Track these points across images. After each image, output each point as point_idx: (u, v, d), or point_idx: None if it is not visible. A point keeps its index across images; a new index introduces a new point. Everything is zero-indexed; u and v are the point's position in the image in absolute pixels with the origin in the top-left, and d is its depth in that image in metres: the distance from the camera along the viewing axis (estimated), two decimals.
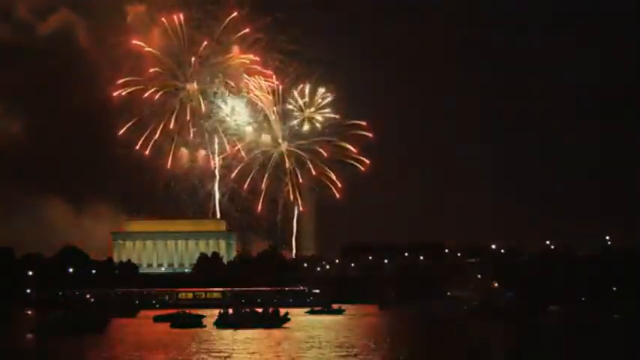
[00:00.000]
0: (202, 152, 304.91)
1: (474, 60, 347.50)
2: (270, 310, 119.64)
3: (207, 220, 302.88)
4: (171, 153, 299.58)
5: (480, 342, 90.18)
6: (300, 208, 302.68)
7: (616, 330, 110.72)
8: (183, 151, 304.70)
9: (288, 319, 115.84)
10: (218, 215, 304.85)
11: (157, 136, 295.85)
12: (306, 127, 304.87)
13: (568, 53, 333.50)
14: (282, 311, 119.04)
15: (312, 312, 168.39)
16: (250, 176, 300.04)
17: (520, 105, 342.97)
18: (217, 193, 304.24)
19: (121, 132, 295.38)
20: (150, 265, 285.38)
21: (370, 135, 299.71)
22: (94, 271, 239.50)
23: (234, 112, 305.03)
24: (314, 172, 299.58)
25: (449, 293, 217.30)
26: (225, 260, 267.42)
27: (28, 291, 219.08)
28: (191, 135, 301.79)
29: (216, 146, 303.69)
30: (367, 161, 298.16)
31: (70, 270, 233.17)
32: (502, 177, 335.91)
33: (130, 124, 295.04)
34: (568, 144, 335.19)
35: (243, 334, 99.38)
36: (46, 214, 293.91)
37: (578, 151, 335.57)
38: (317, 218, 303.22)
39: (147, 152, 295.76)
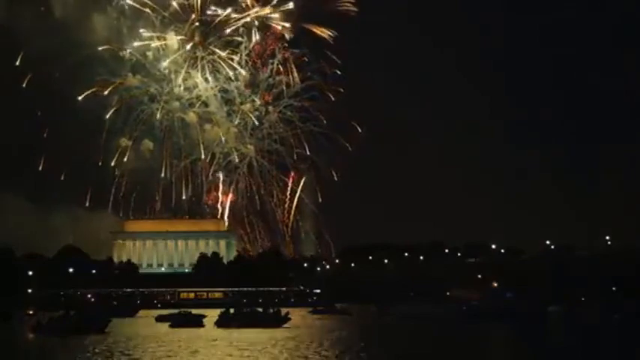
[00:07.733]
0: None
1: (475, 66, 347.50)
2: (271, 310, 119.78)
3: (207, 220, 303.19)
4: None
5: (479, 342, 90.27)
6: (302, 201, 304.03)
7: (616, 330, 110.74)
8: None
9: (289, 319, 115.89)
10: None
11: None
12: None
13: None
14: (284, 311, 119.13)
15: (315, 312, 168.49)
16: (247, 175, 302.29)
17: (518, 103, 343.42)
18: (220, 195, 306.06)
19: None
20: (150, 265, 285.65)
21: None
22: (94, 271, 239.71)
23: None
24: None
25: (449, 293, 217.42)
26: (225, 260, 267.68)
27: (29, 291, 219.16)
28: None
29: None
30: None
31: (70, 270, 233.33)
32: (502, 176, 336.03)
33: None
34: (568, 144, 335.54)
35: (244, 333, 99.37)
36: (45, 214, 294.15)
37: (578, 151, 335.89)
38: (317, 218, 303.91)
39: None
